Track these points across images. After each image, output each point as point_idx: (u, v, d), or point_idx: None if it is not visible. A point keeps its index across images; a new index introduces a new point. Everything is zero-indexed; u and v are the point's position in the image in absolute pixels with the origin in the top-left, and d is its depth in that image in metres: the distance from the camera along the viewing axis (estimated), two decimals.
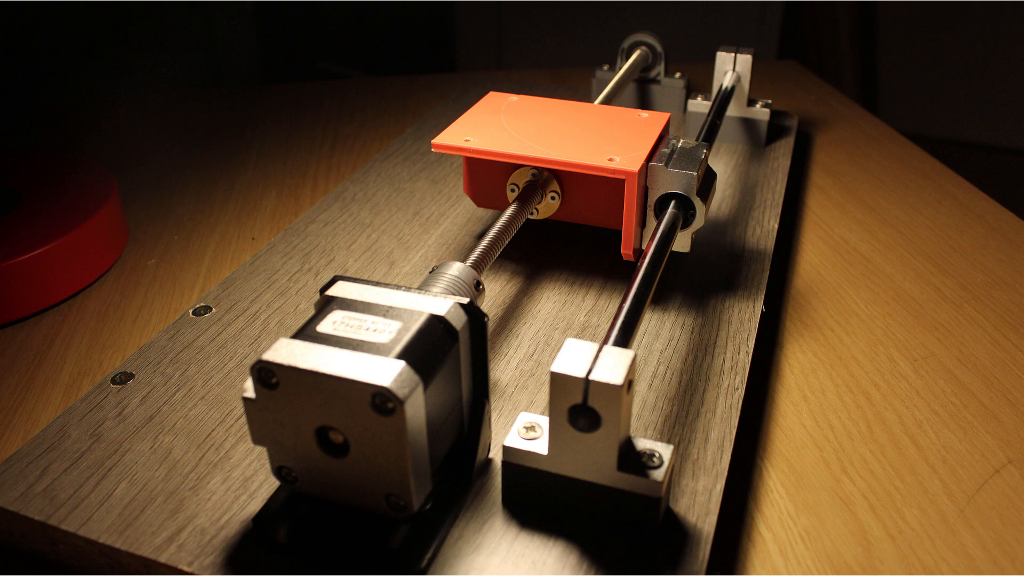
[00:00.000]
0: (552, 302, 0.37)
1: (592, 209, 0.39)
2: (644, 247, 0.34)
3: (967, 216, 0.52)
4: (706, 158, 0.37)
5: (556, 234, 0.43)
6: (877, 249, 0.49)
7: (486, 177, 0.41)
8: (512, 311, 0.37)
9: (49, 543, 0.26)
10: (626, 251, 0.37)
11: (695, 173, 0.35)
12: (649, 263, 0.31)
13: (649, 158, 0.36)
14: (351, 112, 0.69)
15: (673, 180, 0.36)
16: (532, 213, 0.40)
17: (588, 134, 0.38)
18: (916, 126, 1.55)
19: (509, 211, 0.36)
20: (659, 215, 0.36)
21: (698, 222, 0.36)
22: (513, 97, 0.43)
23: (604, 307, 0.37)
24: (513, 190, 0.39)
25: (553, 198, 0.39)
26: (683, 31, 1.46)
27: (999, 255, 0.48)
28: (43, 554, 0.27)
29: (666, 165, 0.35)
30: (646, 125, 0.39)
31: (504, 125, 0.39)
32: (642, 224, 0.37)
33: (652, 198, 0.36)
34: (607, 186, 0.38)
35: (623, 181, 0.36)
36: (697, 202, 0.36)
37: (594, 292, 0.38)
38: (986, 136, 1.59)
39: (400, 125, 0.66)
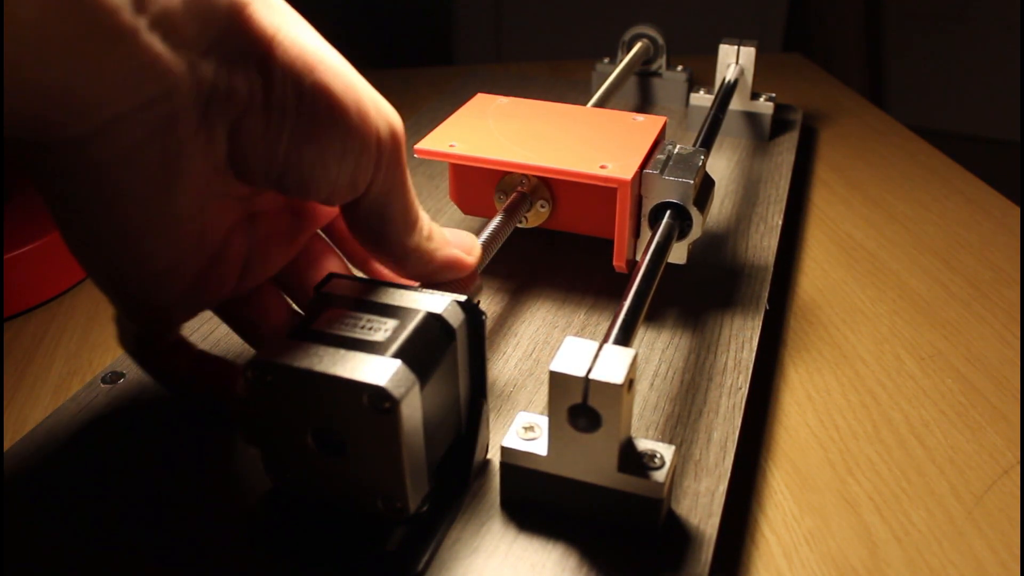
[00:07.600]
0: (546, 309, 0.37)
1: (584, 218, 0.38)
2: (638, 258, 0.32)
3: (975, 212, 0.52)
4: (704, 165, 0.35)
5: (548, 244, 0.41)
6: (883, 246, 0.48)
7: (473, 184, 0.39)
8: (510, 309, 0.37)
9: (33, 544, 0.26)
10: (618, 263, 0.36)
11: (692, 181, 0.33)
12: (642, 279, 0.29)
13: (644, 165, 0.34)
14: None
15: (668, 189, 0.34)
16: (521, 222, 0.38)
17: (579, 139, 0.36)
18: (923, 120, 1.54)
19: (496, 220, 0.33)
20: (654, 225, 0.34)
21: (695, 233, 0.34)
22: (502, 99, 0.41)
23: (595, 323, 0.36)
24: (501, 198, 0.38)
25: (543, 206, 0.38)
26: (685, 23, 1.45)
27: (1008, 251, 0.47)
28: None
29: (661, 173, 0.34)
30: (641, 129, 0.37)
31: (492, 129, 0.37)
32: (636, 235, 0.35)
33: (646, 207, 0.34)
34: (599, 194, 0.36)
35: (615, 190, 0.34)
36: (694, 212, 0.34)
37: (586, 305, 0.37)
38: (994, 130, 1.58)
39: None
